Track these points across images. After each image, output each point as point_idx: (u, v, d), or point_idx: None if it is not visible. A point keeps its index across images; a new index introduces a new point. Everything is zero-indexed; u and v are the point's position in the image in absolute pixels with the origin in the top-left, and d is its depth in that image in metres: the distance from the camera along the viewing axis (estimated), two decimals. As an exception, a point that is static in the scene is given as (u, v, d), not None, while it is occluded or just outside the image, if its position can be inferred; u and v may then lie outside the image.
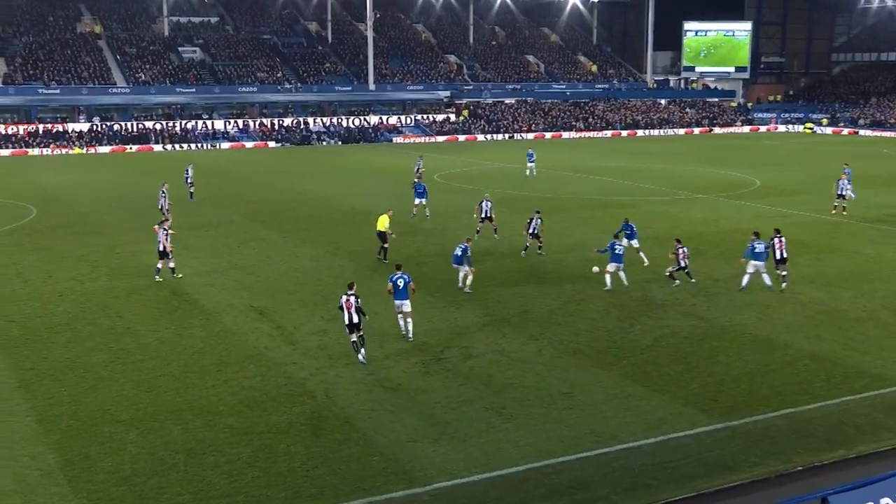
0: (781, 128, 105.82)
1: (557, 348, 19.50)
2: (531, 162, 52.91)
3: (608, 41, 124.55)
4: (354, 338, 18.48)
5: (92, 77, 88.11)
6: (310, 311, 22.49)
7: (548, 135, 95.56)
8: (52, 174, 58.34)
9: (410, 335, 20.02)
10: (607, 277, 24.61)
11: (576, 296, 24.10)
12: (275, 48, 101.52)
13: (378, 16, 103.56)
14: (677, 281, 25.24)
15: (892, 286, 25.00)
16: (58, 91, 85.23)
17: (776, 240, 24.65)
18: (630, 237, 27.67)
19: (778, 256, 24.45)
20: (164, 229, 26.34)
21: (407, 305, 20.00)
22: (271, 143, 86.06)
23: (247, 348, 19.56)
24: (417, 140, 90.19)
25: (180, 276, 26.38)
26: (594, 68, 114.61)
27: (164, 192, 36.88)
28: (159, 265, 26.22)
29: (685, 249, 25.38)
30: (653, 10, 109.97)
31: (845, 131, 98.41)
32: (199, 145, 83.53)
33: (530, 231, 29.26)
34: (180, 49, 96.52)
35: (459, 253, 24.54)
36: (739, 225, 35.29)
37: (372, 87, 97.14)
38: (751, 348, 19.46)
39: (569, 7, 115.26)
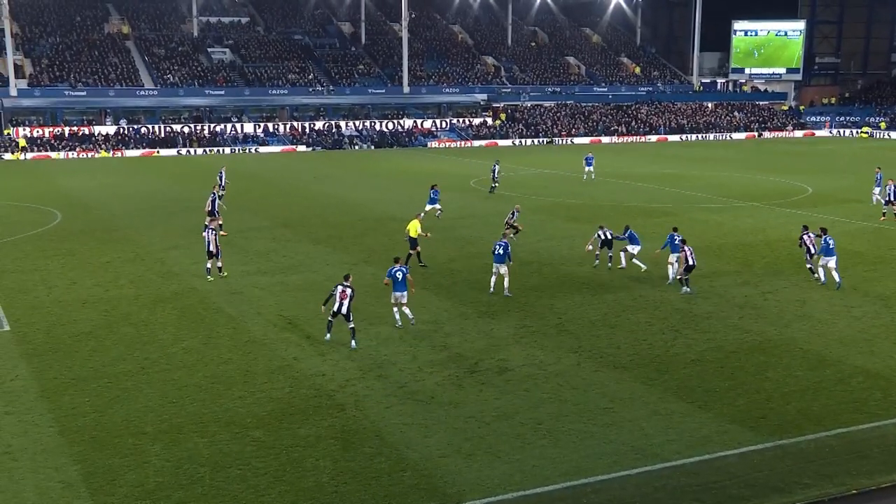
0: (836, 132, 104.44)
1: (597, 361, 19.41)
2: (589, 166, 53.38)
3: (652, 42, 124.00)
4: (332, 318, 20.70)
5: (119, 79, 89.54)
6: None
7: (588, 139, 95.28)
8: (78, 178, 59.36)
9: (413, 320, 21.86)
10: (670, 269, 26.63)
11: (616, 307, 23.98)
12: (306, 49, 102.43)
13: (413, 16, 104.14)
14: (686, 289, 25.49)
15: (954, 300, 24.51)
16: (84, 93, 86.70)
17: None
18: (633, 242, 28.33)
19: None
20: (212, 229, 27.86)
21: (405, 297, 21.73)
22: (301, 147, 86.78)
23: (275, 359, 19.72)
24: (453, 144, 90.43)
25: (226, 274, 27.78)
26: (637, 70, 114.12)
27: (214, 194, 37.30)
28: (209, 265, 27.62)
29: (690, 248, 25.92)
30: (700, 9, 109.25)
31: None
32: (229, 149, 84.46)
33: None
34: (209, 50, 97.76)
35: (501, 251, 25.09)
36: (789, 234, 34.84)
37: (406, 89, 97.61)
38: (801, 364, 19.21)
39: (611, 6, 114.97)
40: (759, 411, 16.55)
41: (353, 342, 20.45)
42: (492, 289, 25.30)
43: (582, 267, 28.94)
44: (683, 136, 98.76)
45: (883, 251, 31.64)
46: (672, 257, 26.69)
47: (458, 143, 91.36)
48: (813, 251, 26.72)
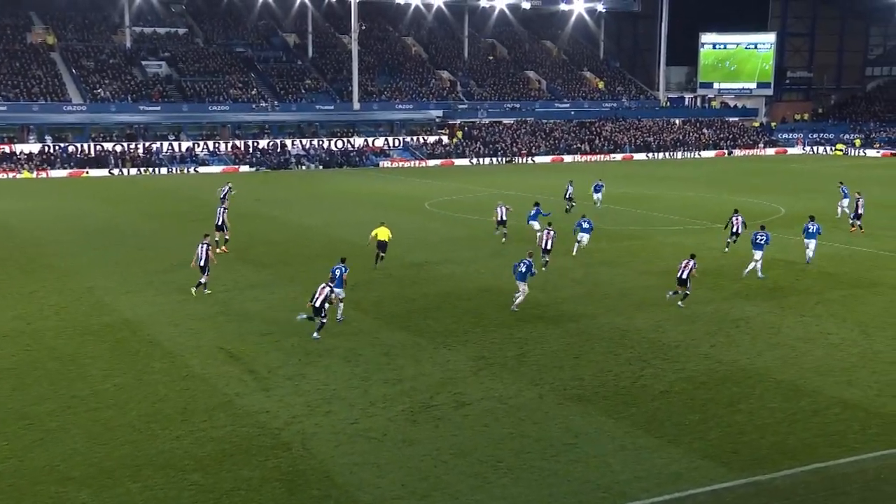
0: (809, 149, 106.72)
1: (560, 394, 19.51)
2: (597, 193, 52.43)
3: (617, 55, 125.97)
4: (306, 316, 23.91)
5: (44, 93, 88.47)
6: (286, 354, 22.47)
7: (549, 158, 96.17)
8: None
9: (341, 317, 25.42)
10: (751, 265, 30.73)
11: (580, 336, 24.15)
12: (249, 62, 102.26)
13: (364, 28, 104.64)
14: (678, 302, 27.43)
15: (932, 325, 25.09)
16: (4, 108, 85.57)
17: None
18: (586, 231, 35.73)
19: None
20: (205, 244, 29.08)
21: (342, 293, 25.49)
22: (244, 167, 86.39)
23: (215, 395, 19.52)
24: (406, 164, 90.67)
25: (209, 292, 28.92)
26: (601, 85, 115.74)
27: (224, 209, 39.66)
28: (202, 279, 28.90)
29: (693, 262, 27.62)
30: (666, 21, 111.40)
31: (881, 153, 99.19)
32: (165, 169, 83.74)
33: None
34: (144, 63, 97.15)
35: (524, 269, 26.62)
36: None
37: (356, 105, 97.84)
38: (775, 395, 19.50)
39: (573, 18, 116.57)
40: (731, 446, 16.74)
41: (315, 333, 23.66)
42: (514, 306, 26.85)
43: (544, 294, 29.12)
44: (650, 155, 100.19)
45: (860, 274, 32.32)
46: (757, 254, 31.24)
47: (412, 162, 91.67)
48: (739, 231, 34.97)
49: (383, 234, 34.39)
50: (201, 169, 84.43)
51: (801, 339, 23.72)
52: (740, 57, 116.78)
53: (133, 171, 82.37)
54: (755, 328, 24.88)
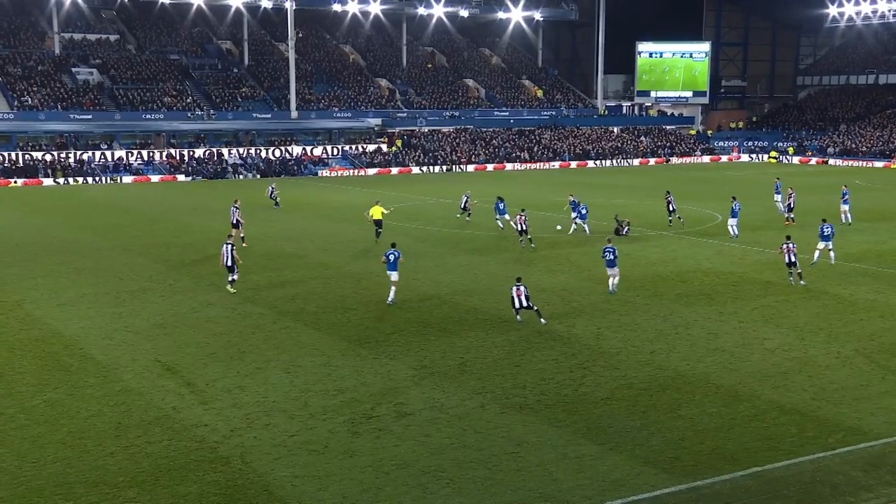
0: (745, 157, 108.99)
1: (502, 403, 19.58)
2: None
3: (555, 64, 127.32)
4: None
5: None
6: (224, 366, 22.21)
7: (490, 166, 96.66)
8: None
9: (390, 299, 28.64)
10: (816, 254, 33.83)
11: (521, 344, 24.28)
12: (184, 70, 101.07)
13: (300, 35, 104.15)
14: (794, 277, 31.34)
15: (867, 330, 25.77)
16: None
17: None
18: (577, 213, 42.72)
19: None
20: (229, 244, 30.74)
21: (395, 276, 28.76)
22: (181, 177, 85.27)
23: (151, 409, 19.19)
24: (345, 173, 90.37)
25: (234, 291, 30.43)
26: (540, 93, 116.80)
27: (236, 207, 41.88)
28: (233, 277, 30.67)
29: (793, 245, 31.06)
30: (603, 30, 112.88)
31: (813, 160, 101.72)
32: (98, 179, 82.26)
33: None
34: (74, 70, 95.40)
35: (612, 257, 30.04)
36: (700, 264, 36.09)
37: (294, 114, 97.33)
38: (714, 400, 19.82)
39: (511, 26, 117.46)
40: (672, 451, 16.97)
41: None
42: (611, 289, 30.15)
43: (485, 301, 29.23)
44: (589, 163, 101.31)
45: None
46: (824, 244, 34.66)
47: (351, 171, 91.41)
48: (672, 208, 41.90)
49: (377, 212, 40.83)
50: (136, 179, 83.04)
51: (739, 345, 24.15)
52: (676, 66, 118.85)
53: (61, 180, 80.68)
54: (695, 334, 25.27)
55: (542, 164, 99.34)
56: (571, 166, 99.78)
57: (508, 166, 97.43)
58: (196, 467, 16.21)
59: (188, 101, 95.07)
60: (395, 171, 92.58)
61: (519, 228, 40.31)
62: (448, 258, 38.07)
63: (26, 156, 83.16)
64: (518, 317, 26.46)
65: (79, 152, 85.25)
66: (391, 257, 29.00)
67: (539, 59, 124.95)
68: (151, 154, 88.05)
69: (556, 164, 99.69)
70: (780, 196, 52.26)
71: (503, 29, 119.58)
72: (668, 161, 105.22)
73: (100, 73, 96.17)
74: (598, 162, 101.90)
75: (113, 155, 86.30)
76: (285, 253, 39.53)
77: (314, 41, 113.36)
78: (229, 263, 30.71)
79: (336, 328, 26.12)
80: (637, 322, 26.64)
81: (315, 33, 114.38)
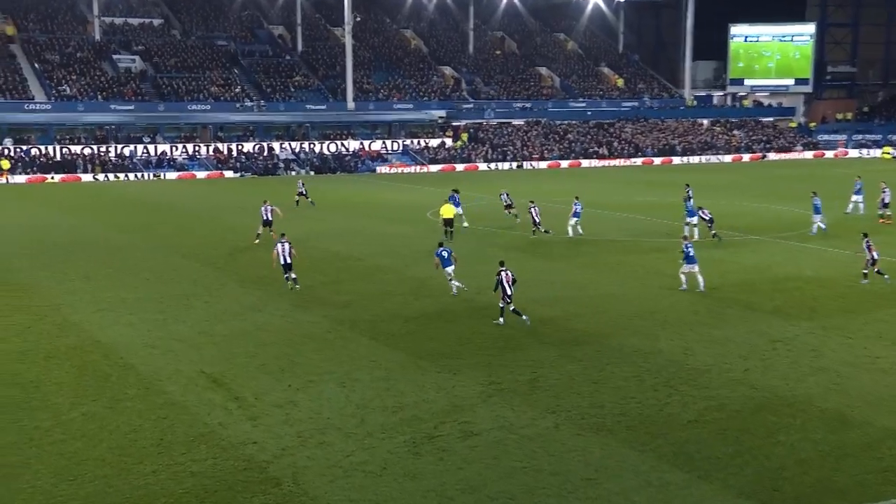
0: (853, 153, 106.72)
1: (578, 424, 19.44)
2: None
3: (637, 49, 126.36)
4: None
5: (3, 90, 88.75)
6: (275, 379, 22.44)
7: (564, 163, 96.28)
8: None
9: (464, 287, 31.04)
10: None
11: (599, 359, 24.09)
12: (232, 57, 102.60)
13: (358, 19, 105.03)
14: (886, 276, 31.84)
15: None
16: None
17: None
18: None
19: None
20: (284, 242, 32.46)
21: (451, 269, 30.87)
22: (228, 173, 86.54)
23: (196, 425, 19.46)
24: (406, 170, 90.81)
25: (298, 287, 32.10)
26: (620, 82, 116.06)
27: (267, 208, 43.63)
28: (292, 275, 32.29)
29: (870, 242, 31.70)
30: (693, 12, 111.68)
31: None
32: (139, 175, 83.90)
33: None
34: (115, 57, 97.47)
35: (692, 253, 31.21)
36: (801, 272, 35.44)
37: (351, 105, 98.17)
38: (819, 425, 19.40)
39: (589, 8, 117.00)
40: (770, 482, 16.66)
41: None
42: (684, 286, 31.40)
43: (558, 312, 29.09)
44: (674, 159, 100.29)
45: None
46: None
47: (413, 167, 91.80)
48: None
49: (448, 211, 42.68)
50: (180, 175, 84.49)
51: (846, 364, 23.62)
52: (775, 50, 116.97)
53: (101, 176, 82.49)
54: (795, 351, 24.80)
55: (621, 160, 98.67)
56: (655, 163, 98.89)
57: (584, 163, 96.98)
58: (244, 489, 16.39)
59: (236, 90, 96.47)
60: (460, 167, 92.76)
61: (533, 220, 43.85)
62: (517, 263, 37.95)
63: (64, 150, 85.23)
64: (501, 318, 27.29)
65: (119, 146, 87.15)
66: (444, 254, 30.88)
67: (620, 44, 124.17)
68: (197, 148, 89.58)
69: (638, 161, 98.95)
70: (860, 196, 52.14)
71: (580, 11, 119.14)
72: (764, 157, 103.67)
73: (142, 60, 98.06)
74: (684, 158, 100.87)
75: (156, 149, 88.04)
76: (340, 255, 39.83)
77: (373, 25, 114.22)
78: (289, 261, 32.30)
79: (395, 339, 26.21)
80: (729, 336, 26.25)
81: (374, 17, 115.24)
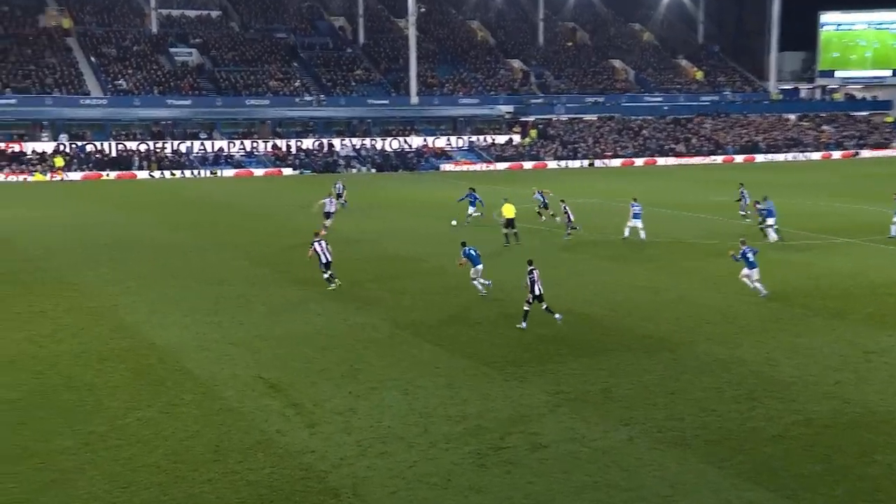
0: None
1: (653, 437, 19.26)
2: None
3: (718, 40, 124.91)
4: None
5: (59, 84, 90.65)
6: (334, 385, 22.58)
7: (638, 161, 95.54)
8: (4, 207, 59.95)
9: (482, 290, 31.67)
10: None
11: (677, 368, 23.85)
12: (291, 50, 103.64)
13: (422, 10, 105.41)
14: None
15: None
16: (14, 101, 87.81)
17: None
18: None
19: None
20: (321, 241, 33.43)
21: (481, 268, 31.42)
22: (287, 170, 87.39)
23: (253, 432, 19.65)
24: (472, 167, 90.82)
25: (336, 284, 33.18)
26: (700, 75, 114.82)
27: (332, 200, 47.90)
28: (326, 275, 33.24)
29: None
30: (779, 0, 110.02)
31: None
32: (196, 172, 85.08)
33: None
34: (172, 50, 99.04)
35: (752, 257, 31.18)
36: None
37: (414, 99, 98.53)
38: (918, 443, 18.99)
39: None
40: None
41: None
42: (753, 286, 31.24)
43: (632, 317, 28.88)
44: (757, 157, 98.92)
45: None
46: None
47: (479, 165, 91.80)
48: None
49: (509, 210, 42.72)
50: (237, 172, 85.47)
51: (944, 376, 23.10)
52: (871, 39, 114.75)
53: (159, 174, 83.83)
54: (891, 363, 24.28)
55: (700, 158, 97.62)
56: (736, 161, 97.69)
57: (660, 161, 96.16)
58: (302, 499, 16.50)
59: (296, 85, 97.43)
60: (528, 165, 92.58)
61: (567, 219, 44.76)
62: (586, 266, 37.80)
63: (119, 146, 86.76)
64: (524, 322, 27.53)
65: (176, 142, 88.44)
66: (472, 252, 31.64)
67: (699, 34, 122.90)
68: (255, 144, 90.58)
69: (718, 159, 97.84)
70: None
71: (657, 0, 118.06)
72: (856, 154, 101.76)
73: (200, 53, 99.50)
74: (768, 156, 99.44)
75: (212, 145, 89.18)
76: (402, 256, 39.99)
77: (438, 17, 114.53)
78: (330, 259, 33.18)
79: (460, 344, 26.22)
80: (816, 346, 25.81)
81: (439, 7, 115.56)
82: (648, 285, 33.89)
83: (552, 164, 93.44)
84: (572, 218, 44.86)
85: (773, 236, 42.89)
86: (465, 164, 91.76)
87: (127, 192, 70.71)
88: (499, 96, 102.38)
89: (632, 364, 24.25)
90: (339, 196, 57.92)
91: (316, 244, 33.41)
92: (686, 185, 72.14)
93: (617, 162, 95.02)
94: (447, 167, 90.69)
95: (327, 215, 47.23)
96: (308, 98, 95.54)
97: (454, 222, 48.89)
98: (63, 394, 22.17)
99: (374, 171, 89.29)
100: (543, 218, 49.62)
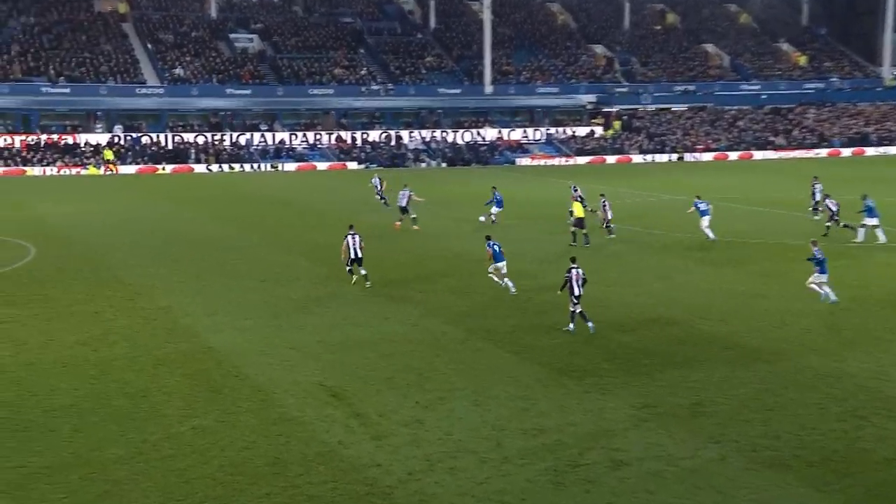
0: None
1: (748, 457, 19.01)
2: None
3: (825, 21, 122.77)
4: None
5: (114, 72, 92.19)
6: (401, 394, 22.65)
7: (732, 155, 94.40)
8: (57, 202, 61.32)
9: (513, 288, 32.33)
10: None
11: (775, 382, 23.52)
12: (358, 35, 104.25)
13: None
14: None
15: None
16: (67, 90, 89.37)
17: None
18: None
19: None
20: (354, 234, 34.51)
21: (505, 267, 32.46)
22: (352, 164, 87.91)
23: (314, 443, 19.78)
24: (550, 161, 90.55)
25: (369, 284, 34.10)
26: (803, 60, 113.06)
27: (405, 193, 49.23)
28: (357, 270, 34.46)
29: None
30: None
31: None
32: (256, 165, 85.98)
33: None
34: (232, 36, 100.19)
35: (821, 256, 30.99)
36: None
37: (489, 88, 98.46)
38: None
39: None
40: (985, 532, 15.97)
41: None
42: (833, 298, 30.72)
43: (726, 326, 28.54)
44: (867, 150, 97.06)
45: None
46: None
47: (557, 159, 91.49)
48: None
49: (580, 209, 42.88)
50: (299, 166, 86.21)
51: None
52: None
53: (217, 167, 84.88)
54: None
55: (802, 151, 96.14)
56: (843, 154, 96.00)
57: (757, 154, 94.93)
58: (366, 516, 16.58)
59: (362, 73, 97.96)
60: (611, 159, 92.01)
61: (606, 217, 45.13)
62: (676, 270, 37.43)
63: (176, 138, 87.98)
64: (572, 325, 27.87)
65: (235, 134, 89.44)
66: (496, 248, 32.72)
67: (804, 15, 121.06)
68: (318, 136, 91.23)
69: (823, 152, 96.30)
70: None
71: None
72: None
73: (261, 39, 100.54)
74: (880, 149, 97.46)
75: (273, 137, 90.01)
76: (472, 257, 39.95)
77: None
78: (360, 255, 34.34)
79: (536, 352, 26.13)
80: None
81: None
82: (744, 290, 33.47)
83: (637, 158, 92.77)
84: (610, 216, 45.14)
85: (881, 237, 42.08)
86: (543, 157, 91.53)
87: (184, 187, 71.74)
88: (580, 85, 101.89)
89: (725, 376, 23.96)
90: (378, 195, 58.19)
91: (349, 237, 34.48)
92: (786, 181, 71.02)
93: (709, 156, 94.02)
94: (523, 161, 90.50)
95: (403, 210, 48.70)
96: (375, 87, 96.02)
97: (482, 219, 49.46)
98: (116, 400, 22.53)
99: (444, 165, 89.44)
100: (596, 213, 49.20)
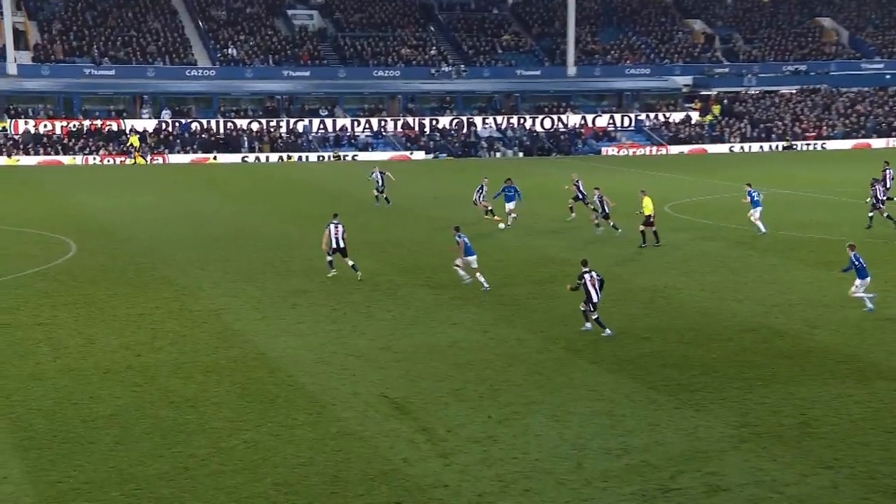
0: None
1: (865, 484, 18.75)
2: None
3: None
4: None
5: (162, 52, 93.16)
6: (472, 408, 22.67)
7: (848, 143, 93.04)
8: (100, 194, 62.35)
9: (486, 284, 33.50)
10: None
11: (894, 401, 23.16)
12: (427, 12, 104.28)
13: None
14: None
15: None
16: (112, 72, 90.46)
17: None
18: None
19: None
20: (338, 223, 35.55)
21: (475, 261, 33.67)
22: (419, 154, 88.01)
23: (376, 460, 19.87)
24: (640, 151, 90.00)
25: (360, 276, 35.30)
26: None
27: (482, 187, 49.68)
28: (349, 263, 35.40)
29: None
30: None
31: None
32: (315, 155, 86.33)
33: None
34: (290, 12, 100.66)
35: (863, 265, 30.47)
36: None
37: (572, 70, 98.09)
38: None
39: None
40: None
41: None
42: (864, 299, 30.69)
43: (839, 337, 28.16)
44: None
45: None
46: None
47: (648, 148, 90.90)
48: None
49: (648, 206, 42.30)
50: (362, 156, 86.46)
51: None
52: None
53: (273, 157, 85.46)
54: None
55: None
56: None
57: (877, 143, 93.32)
58: (432, 541, 16.63)
59: (431, 53, 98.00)
60: (711, 149, 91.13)
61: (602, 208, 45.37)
62: (781, 273, 37.01)
63: (228, 124, 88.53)
64: (588, 324, 28.66)
65: (292, 120, 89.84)
66: (466, 241, 33.77)
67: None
68: (383, 123, 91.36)
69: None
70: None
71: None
72: None
73: (321, 16, 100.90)
74: None
75: (334, 124, 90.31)
76: (552, 258, 39.87)
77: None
78: (342, 245, 35.35)
79: (622, 363, 26.00)
80: None
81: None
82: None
83: (739, 147, 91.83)
84: (608, 208, 45.36)
85: None
86: (632, 146, 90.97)
87: (236, 178, 72.39)
88: (675, 66, 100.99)
89: (837, 394, 23.67)
90: (378, 190, 56.59)
91: (331, 226, 35.65)
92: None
93: (822, 144, 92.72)
94: (610, 150, 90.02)
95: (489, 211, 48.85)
96: (446, 69, 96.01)
97: (502, 226, 48.25)
98: (162, 410, 22.79)
99: (521, 154, 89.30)
100: (574, 215, 49.59)
